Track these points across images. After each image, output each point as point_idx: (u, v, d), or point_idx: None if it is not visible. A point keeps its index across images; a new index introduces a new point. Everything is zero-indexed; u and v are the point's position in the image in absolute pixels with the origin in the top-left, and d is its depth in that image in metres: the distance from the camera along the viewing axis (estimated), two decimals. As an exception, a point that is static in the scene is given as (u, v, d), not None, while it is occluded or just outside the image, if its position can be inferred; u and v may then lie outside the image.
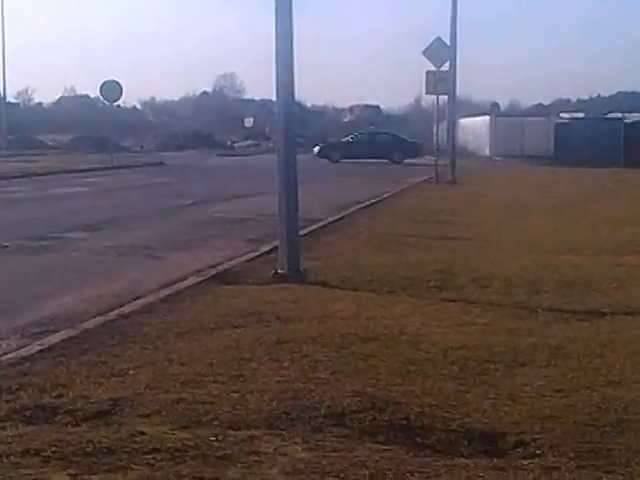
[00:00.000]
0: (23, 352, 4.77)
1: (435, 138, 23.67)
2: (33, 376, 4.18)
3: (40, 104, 51.87)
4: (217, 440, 3.19)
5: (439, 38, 21.33)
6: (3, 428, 3.35)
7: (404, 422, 3.48)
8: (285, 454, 3.09)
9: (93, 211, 14.27)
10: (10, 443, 3.12)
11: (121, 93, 31.18)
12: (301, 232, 8.39)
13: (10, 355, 4.76)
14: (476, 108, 37.99)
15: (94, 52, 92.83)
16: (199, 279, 7.39)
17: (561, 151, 32.27)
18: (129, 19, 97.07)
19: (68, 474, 2.85)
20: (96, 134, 37.16)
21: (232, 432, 3.29)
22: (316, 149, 35.81)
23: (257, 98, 47.13)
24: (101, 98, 32.56)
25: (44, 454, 2.99)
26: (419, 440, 3.30)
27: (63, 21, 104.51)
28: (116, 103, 33.40)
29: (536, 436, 3.31)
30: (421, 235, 10.87)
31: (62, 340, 5.04)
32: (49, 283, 7.60)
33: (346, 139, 36.64)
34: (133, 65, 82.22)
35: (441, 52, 20.96)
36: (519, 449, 3.24)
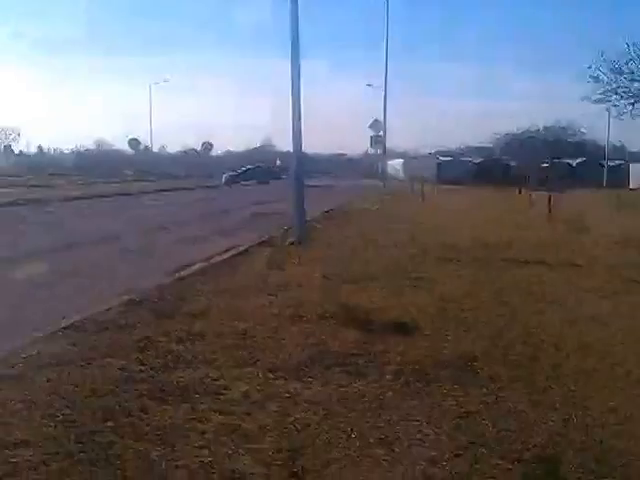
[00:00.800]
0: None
1: (380, 170, 45.37)
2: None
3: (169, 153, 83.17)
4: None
5: (376, 119, 42.20)
6: None
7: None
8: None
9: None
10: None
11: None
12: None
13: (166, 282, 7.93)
14: (394, 154, 64.26)
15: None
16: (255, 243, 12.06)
17: (441, 177, 53.16)
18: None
19: None
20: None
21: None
22: (223, 177, 48.94)
23: (282, 149, 73.36)
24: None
25: None
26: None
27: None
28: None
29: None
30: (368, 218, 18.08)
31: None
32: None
33: (240, 170, 52.77)
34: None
35: (377, 126, 41.22)
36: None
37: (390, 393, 4.20)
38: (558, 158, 44.96)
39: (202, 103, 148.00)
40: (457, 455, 3.33)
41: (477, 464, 3.24)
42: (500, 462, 3.25)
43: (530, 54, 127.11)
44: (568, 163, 50.20)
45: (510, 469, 3.19)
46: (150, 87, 64.89)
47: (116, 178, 50.13)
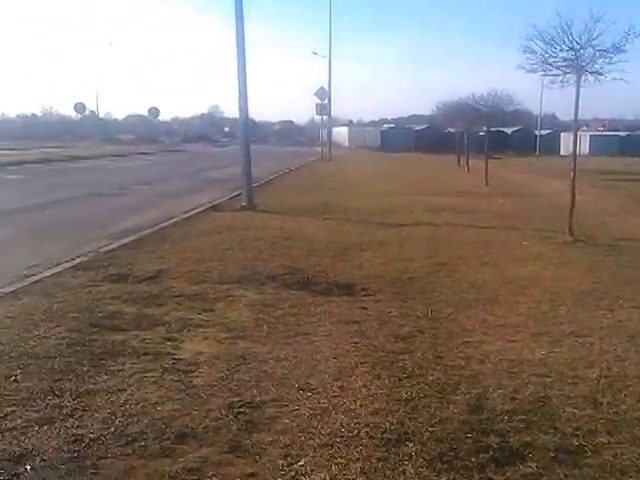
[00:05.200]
0: (111, 246, 8.29)
1: (320, 138, 44.65)
2: (115, 259, 7.30)
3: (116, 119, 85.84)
4: (211, 290, 6.13)
5: (322, 87, 40.51)
6: (100, 286, 6.16)
7: (306, 279, 6.65)
8: (246, 296, 6.00)
9: (148, 174, 24.10)
10: (105, 292, 5.92)
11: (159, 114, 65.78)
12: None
13: (104, 248, 8.15)
14: (340, 122, 68.43)
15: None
16: (201, 209, 12.98)
17: (384, 145, 56.12)
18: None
19: (135, 308, 5.52)
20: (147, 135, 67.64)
21: (219, 286, 6.26)
22: None
23: (230, 116, 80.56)
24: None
25: (122, 298, 5.76)
26: (313, 288, 6.40)
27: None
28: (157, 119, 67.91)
29: (370, 285, 6.56)
30: (312, 186, 18.69)
31: (131, 240, 8.72)
32: (126, 211, 12.80)
33: None
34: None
35: (323, 93, 40.05)
36: (362, 292, 6.37)
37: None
38: (495, 127, 47.46)
39: (149, 67, 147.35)
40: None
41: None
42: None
43: (470, 24, 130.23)
44: (503, 131, 52.88)
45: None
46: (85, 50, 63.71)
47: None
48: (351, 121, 78.91)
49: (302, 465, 2.91)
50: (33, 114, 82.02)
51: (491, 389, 3.81)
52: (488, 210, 13.07)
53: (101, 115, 71.43)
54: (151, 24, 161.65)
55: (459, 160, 29.26)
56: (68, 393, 3.65)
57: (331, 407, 3.52)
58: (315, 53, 47.09)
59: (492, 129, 33.15)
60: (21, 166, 26.78)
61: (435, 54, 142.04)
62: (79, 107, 62.68)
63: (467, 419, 3.40)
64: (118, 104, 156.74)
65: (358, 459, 2.97)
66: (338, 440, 3.14)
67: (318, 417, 3.39)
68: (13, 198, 15.04)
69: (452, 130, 56.25)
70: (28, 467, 2.91)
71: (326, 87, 40.91)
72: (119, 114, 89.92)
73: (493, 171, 20.90)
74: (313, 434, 3.20)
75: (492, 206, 13.87)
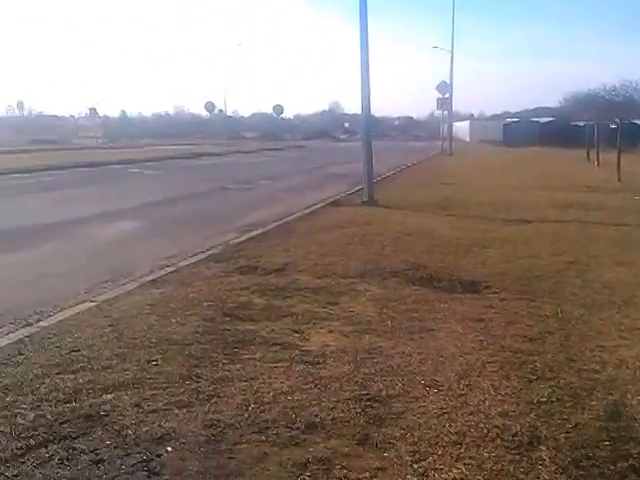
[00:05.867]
0: (239, 239, 8.74)
1: (441, 132, 44.93)
2: (244, 251, 7.65)
3: (242, 117, 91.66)
4: (335, 284, 6.24)
5: (444, 81, 40.20)
6: (231, 277, 6.45)
7: (428, 276, 6.61)
8: (369, 291, 6.05)
9: (270, 169, 25.40)
10: (235, 283, 6.19)
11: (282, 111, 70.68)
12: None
13: (233, 241, 8.60)
14: (461, 116, 69.02)
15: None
16: (323, 204, 13.33)
17: (506, 139, 53.97)
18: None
19: (264, 299, 5.71)
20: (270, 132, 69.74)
21: (342, 280, 6.37)
22: None
23: (350, 112, 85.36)
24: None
25: (251, 289, 5.98)
26: (436, 284, 6.34)
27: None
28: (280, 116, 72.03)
29: (495, 283, 6.39)
30: (433, 181, 18.47)
31: (258, 234, 9.13)
32: (251, 206, 13.52)
33: None
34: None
35: (444, 87, 39.45)
36: (486, 289, 6.23)
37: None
38: (628, 119, 44.40)
39: (273, 67, 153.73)
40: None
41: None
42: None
43: (602, 15, 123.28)
44: (638, 124, 49.26)
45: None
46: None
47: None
48: (472, 115, 78.04)
49: (431, 462, 2.91)
50: (166, 113, 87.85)
51: (629, 395, 3.62)
52: (621, 207, 12.36)
53: (229, 113, 75.15)
54: (278, 24, 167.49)
55: (588, 154, 27.76)
56: (204, 379, 3.85)
57: (459, 405, 3.49)
58: (436, 47, 46.78)
59: (625, 121, 31.24)
60: (159, 162, 28.56)
61: (558, 46, 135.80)
62: (209, 106, 65.74)
63: (604, 425, 3.25)
64: (244, 102, 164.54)
65: (488, 460, 2.92)
66: (467, 440, 3.10)
67: (446, 415, 3.37)
68: (150, 192, 16.06)
69: (580, 123, 53.52)
70: (169, 448, 3.08)
71: (447, 81, 40.32)
72: (245, 112, 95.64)
73: (626, 165, 19.70)
74: (441, 432, 3.18)
75: (625, 203, 13.10)
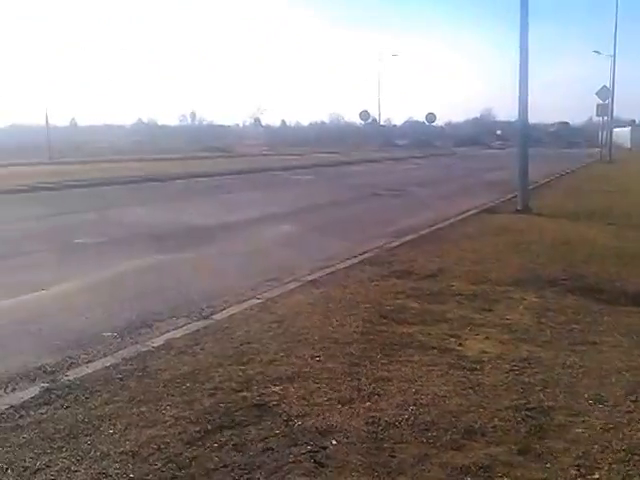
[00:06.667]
0: (393, 244, 8.95)
1: (600, 138, 44.06)
2: (398, 256, 7.86)
3: (395, 125, 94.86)
4: (490, 291, 6.21)
5: (605, 86, 38.03)
6: (386, 280, 6.62)
7: (588, 286, 6.37)
8: (525, 299, 5.95)
9: (421, 176, 25.57)
10: (390, 287, 6.32)
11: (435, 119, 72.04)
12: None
13: (387, 245, 8.88)
14: (622, 122, 66.08)
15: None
16: (475, 211, 13.28)
17: None
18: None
19: (418, 303, 5.78)
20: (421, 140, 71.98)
21: (497, 287, 6.32)
22: None
23: (502, 119, 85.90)
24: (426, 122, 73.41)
25: (406, 293, 6.09)
26: (597, 296, 6.09)
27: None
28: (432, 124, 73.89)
29: (666, 297, 6.03)
30: (591, 189, 17.94)
31: (411, 239, 9.32)
32: (402, 212, 13.74)
33: None
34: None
35: (605, 93, 37.64)
36: None
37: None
38: None
39: (425, 76, 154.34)
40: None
41: None
42: None
43: None
44: None
45: None
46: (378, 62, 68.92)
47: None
48: (634, 121, 72.99)
49: (598, 478, 2.87)
50: (322, 122, 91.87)
51: None
52: None
53: (382, 122, 77.50)
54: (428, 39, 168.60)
55: None
56: (364, 377, 4.03)
57: (625, 422, 3.39)
58: (596, 52, 44.39)
59: None
60: (310, 169, 29.65)
61: None
62: (363, 114, 67.14)
63: None
64: (397, 110, 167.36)
65: (660, 481, 2.84)
66: (636, 458, 3.02)
67: (612, 431, 3.29)
68: (303, 197, 16.75)
69: None
70: (334, 442, 3.24)
71: (608, 86, 38.11)
72: (397, 120, 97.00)
73: None
74: (607, 448, 3.12)
75: None
